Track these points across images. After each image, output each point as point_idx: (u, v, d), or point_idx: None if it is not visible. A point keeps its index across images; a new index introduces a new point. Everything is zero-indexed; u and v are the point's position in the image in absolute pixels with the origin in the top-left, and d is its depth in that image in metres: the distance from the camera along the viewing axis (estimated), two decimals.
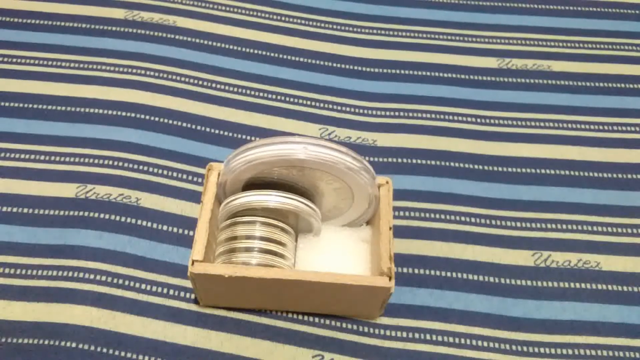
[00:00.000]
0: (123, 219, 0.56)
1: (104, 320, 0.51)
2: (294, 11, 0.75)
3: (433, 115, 0.66)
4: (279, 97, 0.67)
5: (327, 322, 0.52)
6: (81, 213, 0.56)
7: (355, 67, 0.70)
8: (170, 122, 0.63)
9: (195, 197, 0.58)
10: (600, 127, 0.66)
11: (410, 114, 0.66)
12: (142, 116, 0.63)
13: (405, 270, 0.55)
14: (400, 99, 0.67)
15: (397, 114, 0.66)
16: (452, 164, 0.62)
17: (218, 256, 0.49)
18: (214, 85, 0.67)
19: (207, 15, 0.73)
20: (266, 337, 0.51)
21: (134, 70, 0.67)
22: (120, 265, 0.53)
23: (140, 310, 0.52)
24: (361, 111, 0.66)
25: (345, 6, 0.76)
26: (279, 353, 0.50)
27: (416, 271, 0.55)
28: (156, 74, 0.67)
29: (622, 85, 0.70)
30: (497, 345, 0.52)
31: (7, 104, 0.64)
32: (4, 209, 0.57)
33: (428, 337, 0.52)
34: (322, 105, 0.66)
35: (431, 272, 0.55)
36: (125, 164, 0.60)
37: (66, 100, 0.64)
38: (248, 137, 0.63)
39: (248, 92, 0.67)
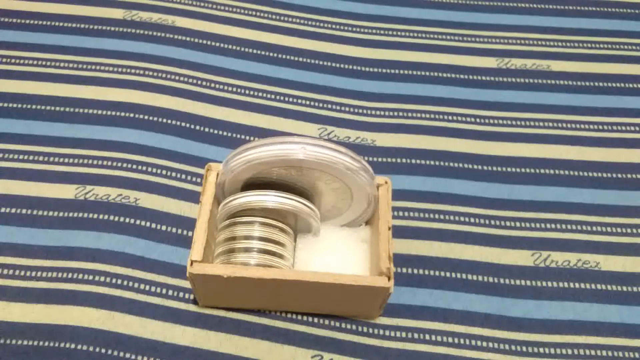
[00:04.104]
0: (122, 219, 0.56)
1: (102, 321, 0.51)
2: (293, 11, 0.75)
3: (432, 115, 0.66)
4: (278, 97, 0.67)
5: (326, 322, 0.52)
6: (80, 214, 0.56)
7: (355, 67, 0.70)
8: (169, 122, 0.63)
9: (194, 198, 0.58)
10: (600, 127, 0.66)
11: (410, 114, 0.66)
12: (141, 116, 0.63)
13: (404, 270, 0.55)
14: (400, 99, 0.67)
15: (396, 114, 0.66)
16: (451, 164, 0.62)
17: (217, 256, 0.49)
18: (213, 85, 0.67)
19: (206, 15, 0.73)
20: (265, 337, 0.51)
21: (133, 71, 0.67)
22: (119, 266, 0.53)
23: (139, 310, 0.52)
24: (360, 111, 0.66)
25: (344, 6, 0.76)
26: (278, 353, 0.50)
27: (415, 271, 0.55)
28: (155, 74, 0.67)
29: (622, 85, 0.70)
30: (496, 345, 0.52)
31: (5, 105, 0.63)
32: (3, 209, 0.56)
33: (427, 337, 0.52)
34: (321, 105, 0.66)
35: (430, 272, 0.55)
36: (124, 165, 0.60)
37: (65, 101, 0.64)
38: (247, 137, 0.63)
39: (247, 92, 0.67)
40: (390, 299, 0.51)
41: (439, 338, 0.52)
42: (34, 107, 0.63)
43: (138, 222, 0.56)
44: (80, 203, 0.57)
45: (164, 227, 0.56)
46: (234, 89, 0.67)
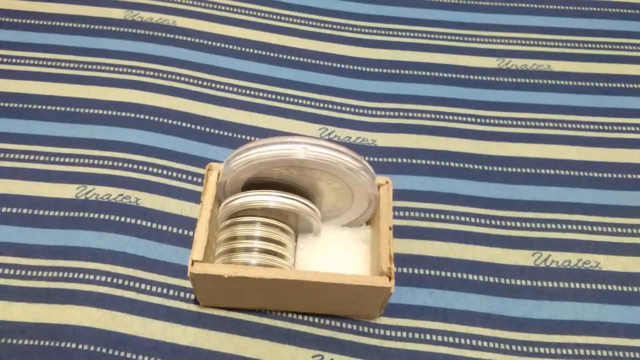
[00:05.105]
0: (123, 219, 0.56)
1: (103, 321, 0.51)
2: (293, 11, 0.75)
3: (433, 115, 0.66)
4: (278, 97, 0.67)
5: (327, 322, 0.52)
6: (81, 214, 0.56)
7: (355, 67, 0.70)
8: (170, 122, 0.63)
9: (195, 197, 0.58)
10: (600, 127, 0.66)
11: (410, 114, 0.66)
12: (142, 116, 0.63)
13: (405, 270, 0.55)
14: (400, 99, 0.67)
15: (396, 114, 0.66)
16: (452, 164, 0.62)
17: (218, 256, 0.49)
18: (213, 85, 0.67)
19: (206, 15, 0.73)
20: (266, 337, 0.51)
21: (134, 71, 0.67)
22: (120, 266, 0.53)
23: (140, 310, 0.52)
24: (361, 111, 0.66)
25: (345, 6, 0.76)
26: (278, 353, 0.50)
27: (416, 271, 0.55)
28: (155, 74, 0.67)
29: (622, 85, 0.70)
30: (497, 345, 0.52)
31: (6, 105, 0.63)
32: (4, 209, 0.57)
33: (428, 337, 0.52)
34: (321, 105, 0.66)
35: (431, 272, 0.55)
36: (125, 164, 0.60)
37: (65, 101, 0.64)
38: (248, 137, 0.63)
39: (247, 92, 0.67)
40: (391, 299, 0.51)
41: (439, 338, 0.52)
42: (34, 106, 0.64)
43: (139, 222, 0.56)
44: (81, 203, 0.57)
45: (164, 227, 0.56)
46: (235, 89, 0.67)
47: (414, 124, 0.65)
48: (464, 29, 0.74)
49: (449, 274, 0.55)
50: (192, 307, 0.52)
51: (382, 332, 0.52)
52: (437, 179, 0.61)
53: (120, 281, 0.53)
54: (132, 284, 0.53)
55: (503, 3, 0.77)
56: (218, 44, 0.71)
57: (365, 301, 0.49)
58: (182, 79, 0.67)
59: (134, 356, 0.49)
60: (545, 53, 0.72)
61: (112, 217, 0.56)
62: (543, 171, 0.62)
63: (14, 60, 0.67)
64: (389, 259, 0.46)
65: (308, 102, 0.66)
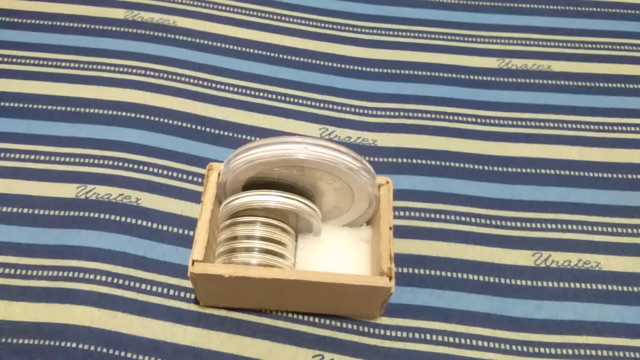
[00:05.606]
0: (123, 219, 0.56)
1: (104, 321, 0.51)
2: (294, 11, 0.75)
3: (433, 115, 0.66)
4: (278, 97, 0.67)
5: (327, 322, 0.52)
6: (81, 213, 0.56)
7: (355, 67, 0.70)
8: (170, 122, 0.63)
9: (195, 197, 0.58)
10: (600, 127, 0.66)
11: (411, 114, 0.66)
12: (142, 116, 0.63)
13: (405, 270, 0.55)
14: (400, 99, 0.67)
15: (397, 114, 0.66)
16: (452, 164, 0.62)
17: (218, 256, 0.49)
18: (213, 85, 0.67)
19: (207, 15, 0.73)
20: (266, 337, 0.51)
21: (134, 70, 0.67)
22: (121, 266, 0.54)
23: (140, 310, 0.52)
24: (361, 111, 0.66)
25: (345, 6, 0.76)
26: (279, 353, 0.50)
27: (416, 271, 0.55)
28: (156, 74, 0.67)
29: (622, 85, 0.70)
30: (497, 345, 0.52)
31: (7, 104, 0.64)
32: (4, 209, 0.57)
33: (428, 337, 0.52)
34: (322, 105, 0.66)
35: (431, 272, 0.55)
36: (125, 164, 0.60)
37: (66, 101, 0.64)
38: (248, 137, 0.63)
39: (248, 92, 0.67)
40: (391, 298, 0.51)
41: (439, 338, 0.52)
42: (35, 106, 0.64)
43: (139, 222, 0.56)
44: (81, 202, 0.57)
45: (165, 227, 0.56)
46: (235, 89, 0.67)
47: (414, 124, 0.65)
48: (464, 29, 0.74)
49: (449, 274, 0.55)
50: (193, 307, 0.52)
51: (382, 332, 0.52)
52: (437, 179, 0.61)
53: (120, 281, 0.53)
54: (132, 283, 0.53)
55: (503, 3, 0.77)
56: (218, 44, 0.71)
57: (366, 301, 0.49)
58: (183, 79, 0.67)
59: (134, 356, 0.49)
60: (545, 53, 0.72)
61: (113, 217, 0.56)
62: (543, 171, 0.62)
63: (14, 60, 0.67)
64: (389, 259, 0.47)
65: (308, 102, 0.66)
